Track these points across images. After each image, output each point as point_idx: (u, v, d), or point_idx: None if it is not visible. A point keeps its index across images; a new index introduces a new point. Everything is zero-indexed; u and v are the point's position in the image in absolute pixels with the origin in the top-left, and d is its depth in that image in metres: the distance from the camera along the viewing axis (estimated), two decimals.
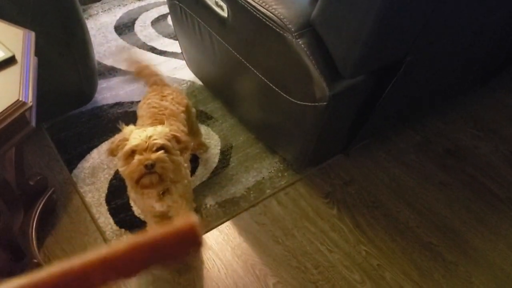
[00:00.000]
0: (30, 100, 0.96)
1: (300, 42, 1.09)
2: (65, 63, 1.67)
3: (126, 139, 1.10)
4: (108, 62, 2.16)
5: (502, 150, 1.74)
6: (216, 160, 1.70)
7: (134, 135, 1.09)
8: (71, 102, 1.81)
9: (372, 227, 1.49)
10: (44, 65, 1.56)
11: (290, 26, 1.10)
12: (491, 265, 1.40)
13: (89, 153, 1.72)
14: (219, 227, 1.49)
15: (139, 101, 1.91)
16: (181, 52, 2.05)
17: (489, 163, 1.70)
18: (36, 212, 1.39)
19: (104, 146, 1.74)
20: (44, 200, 1.43)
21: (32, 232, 1.33)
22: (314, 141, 1.32)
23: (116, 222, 1.49)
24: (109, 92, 1.99)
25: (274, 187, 1.60)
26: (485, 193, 1.60)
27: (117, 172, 1.64)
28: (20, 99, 0.94)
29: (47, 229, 1.47)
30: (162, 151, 1.07)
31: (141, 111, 1.39)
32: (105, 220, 1.50)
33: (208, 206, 1.54)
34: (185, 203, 1.29)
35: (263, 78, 1.33)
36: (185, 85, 2.02)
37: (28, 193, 1.39)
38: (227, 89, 1.74)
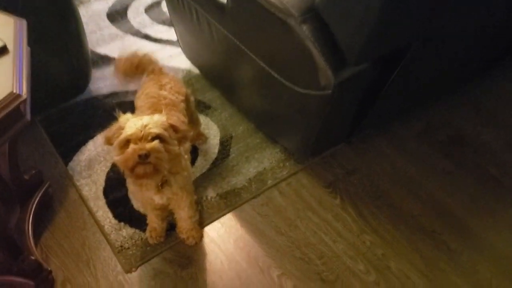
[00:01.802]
0: (24, 92, 0.91)
1: (303, 28, 1.05)
2: (57, 53, 1.61)
3: (122, 128, 1.07)
4: (101, 50, 2.10)
5: (505, 137, 1.72)
6: (216, 150, 1.66)
7: (130, 124, 1.06)
8: (64, 93, 1.76)
9: (376, 217, 1.47)
10: (35, 55, 1.52)
11: (293, 11, 1.06)
12: (495, 253, 1.38)
13: (84, 145, 1.67)
14: (220, 219, 1.46)
15: (135, 90, 1.87)
16: (177, 39, 2.00)
17: (493, 151, 1.68)
18: (32, 207, 1.35)
19: (100, 138, 1.70)
20: (40, 195, 1.39)
21: (28, 228, 1.30)
22: (316, 131, 1.28)
23: (115, 216, 1.46)
24: (103, 81, 1.94)
25: (276, 178, 1.57)
26: (489, 181, 1.58)
27: (114, 165, 1.60)
28: (14, 91, 0.90)
29: (44, 224, 1.44)
30: (157, 141, 1.03)
31: (139, 101, 1.35)
32: (103, 213, 1.46)
33: (209, 198, 1.51)
34: (186, 195, 1.26)
35: (264, 65, 1.29)
36: (181, 73, 1.97)
37: (23, 188, 1.35)
38: (225, 77, 1.70)
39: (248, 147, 1.67)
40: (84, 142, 1.68)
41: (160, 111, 1.23)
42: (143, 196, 1.23)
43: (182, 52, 1.99)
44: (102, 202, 1.49)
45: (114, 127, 1.11)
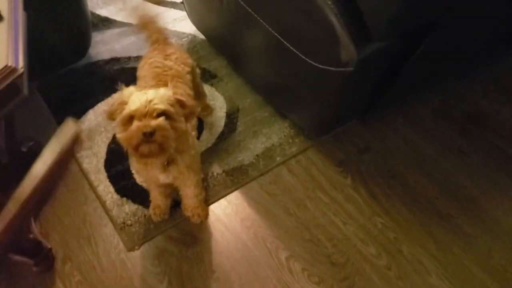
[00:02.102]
0: (21, 65, 0.82)
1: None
2: (55, 15, 1.50)
3: (125, 103, 0.99)
4: (102, 12, 1.99)
5: None
6: (222, 124, 1.58)
7: (134, 98, 0.98)
8: (63, 58, 1.66)
9: (388, 198, 1.41)
10: (31, 17, 1.41)
11: None
12: None
13: (84, 114, 1.59)
14: (227, 196, 1.40)
15: (137, 56, 1.79)
16: (182, 2, 1.88)
17: (511, 129, 1.60)
18: None
19: (101, 107, 1.62)
20: None
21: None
22: (332, 109, 1.20)
23: (117, 191, 1.40)
24: (104, 46, 1.83)
25: (285, 155, 1.50)
26: (507, 162, 1.52)
27: (115, 136, 1.52)
28: (10, 64, 0.81)
29: (44, 200, 1.38)
30: (163, 118, 0.96)
31: (143, 71, 1.27)
32: (105, 188, 1.40)
33: (215, 174, 1.45)
34: (193, 174, 1.20)
35: (277, 35, 1.19)
36: (185, 39, 1.87)
37: (20, 161, 1.28)
38: (233, 45, 1.60)
39: (255, 121, 1.59)
40: (84, 111, 1.60)
41: (165, 83, 1.15)
42: (147, 174, 1.16)
43: (187, 16, 1.87)
44: (103, 175, 1.43)
45: (116, 101, 1.02)
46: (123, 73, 1.72)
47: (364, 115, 1.53)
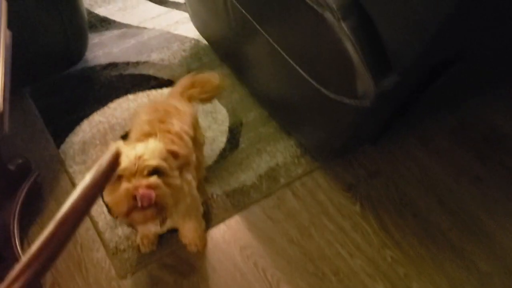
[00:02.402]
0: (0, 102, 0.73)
1: (343, 25, 0.85)
2: (48, 16, 1.40)
3: None
4: (100, 11, 1.88)
5: None
6: (224, 139, 1.49)
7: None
8: (57, 64, 1.56)
9: (400, 229, 1.32)
10: (21, 20, 1.31)
11: (332, 3, 0.85)
12: None
13: (79, 124, 1.50)
14: (226, 221, 1.32)
15: (136, 62, 1.69)
16: (185, 2, 1.77)
17: None
18: (18, 202, 1.20)
19: (97, 117, 1.52)
20: (27, 187, 1.24)
21: (14, 228, 1.16)
22: (343, 138, 1.11)
23: (110, 211, 1.31)
24: (102, 49, 1.73)
25: (290, 176, 1.41)
26: None
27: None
28: None
29: (32, 216, 1.30)
30: (155, 176, 0.85)
31: (140, 109, 1.15)
32: (98, 208, 1.32)
33: (214, 196, 1.36)
34: (193, 222, 1.13)
35: (287, 57, 1.09)
36: (188, 43, 1.77)
37: (8, 180, 1.19)
38: (238, 56, 1.50)
39: (260, 137, 1.50)
40: (78, 121, 1.51)
41: (160, 118, 1.03)
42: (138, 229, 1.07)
43: (190, 19, 1.76)
44: None
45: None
46: (121, 80, 1.63)
47: (376, 141, 1.43)
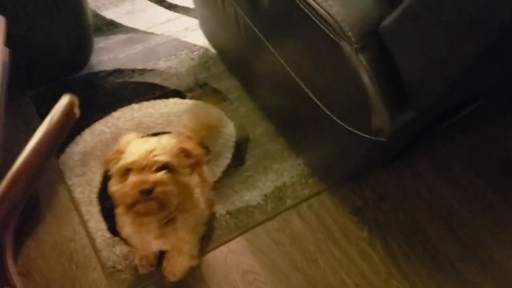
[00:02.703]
0: None
1: (361, 57, 0.80)
2: (51, 21, 1.35)
3: (122, 151, 0.89)
4: (107, 14, 1.83)
5: None
6: (230, 155, 1.44)
7: (132, 148, 0.87)
8: (61, 69, 1.52)
9: (407, 258, 1.28)
10: (23, 23, 1.27)
11: (350, 33, 0.80)
12: None
13: (79, 134, 1.45)
14: (229, 243, 1.27)
15: (142, 69, 1.64)
16: (194, 6, 1.71)
17: None
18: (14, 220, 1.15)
19: (99, 126, 1.48)
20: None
21: (6, 247, 1.10)
22: (354, 168, 1.06)
23: (109, 228, 1.27)
24: (107, 54, 1.69)
25: (296, 197, 1.36)
26: None
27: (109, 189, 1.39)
28: None
29: (28, 230, 1.25)
30: (164, 172, 0.85)
31: None
32: (96, 224, 1.27)
33: (217, 215, 1.31)
34: (195, 237, 1.07)
35: (299, 81, 1.04)
36: (196, 52, 1.71)
37: None
38: (247, 70, 1.45)
39: (266, 154, 1.45)
40: (79, 130, 1.46)
41: None
42: (139, 239, 1.02)
43: (200, 27, 1.71)
44: (95, 209, 1.30)
45: (113, 148, 0.92)
46: (125, 87, 1.58)
47: (388, 165, 1.38)
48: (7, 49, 0.82)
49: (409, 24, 0.72)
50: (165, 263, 1.16)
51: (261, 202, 1.35)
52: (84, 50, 1.53)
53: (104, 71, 1.62)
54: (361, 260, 1.26)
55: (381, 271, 1.25)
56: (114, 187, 0.88)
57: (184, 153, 0.92)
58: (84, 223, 1.28)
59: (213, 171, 1.40)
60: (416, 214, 1.36)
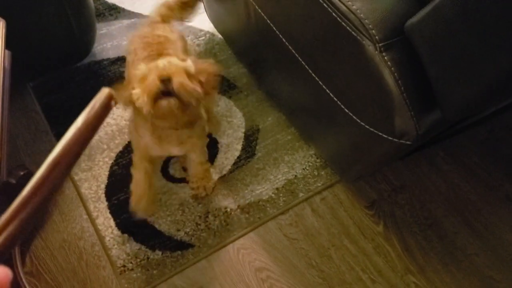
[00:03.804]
0: None
1: (385, 57, 0.74)
2: (52, 8, 1.28)
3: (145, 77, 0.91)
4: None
5: None
6: (239, 146, 1.40)
7: (150, 65, 0.91)
8: (63, 58, 1.46)
9: (424, 252, 1.25)
10: (22, 11, 1.20)
11: (373, 31, 0.74)
12: None
13: None
14: (241, 239, 1.24)
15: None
16: None
17: None
18: None
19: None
20: None
21: (15, 249, 1.08)
22: (373, 168, 1.01)
23: (118, 225, 1.24)
24: (110, 41, 1.62)
25: (309, 190, 1.32)
26: None
27: (119, 156, 1.35)
28: None
29: (35, 229, 1.22)
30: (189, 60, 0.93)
31: (133, 44, 1.15)
32: (105, 221, 1.24)
33: (228, 210, 1.28)
34: (202, 142, 1.16)
35: (316, 78, 0.98)
36: (202, 37, 1.65)
37: (9, 195, 1.11)
38: (255, 57, 1.39)
39: (277, 144, 1.41)
40: None
41: (158, 51, 1.07)
42: (160, 148, 1.07)
43: (205, 11, 1.64)
44: (103, 205, 1.27)
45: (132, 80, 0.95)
46: None
47: (405, 157, 1.33)
48: (8, 52, 0.77)
49: (440, 25, 0.66)
50: (190, 185, 1.28)
51: (273, 195, 1.31)
52: (86, 38, 1.46)
53: (107, 59, 1.56)
54: (377, 255, 1.23)
55: (398, 267, 1.22)
56: (136, 91, 0.90)
57: (200, 83, 0.94)
58: (92, 221, 1.24)
59: (223, 163, 1.36)
60: (432, 206, 1.32)
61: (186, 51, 1.18)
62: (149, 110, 0.89)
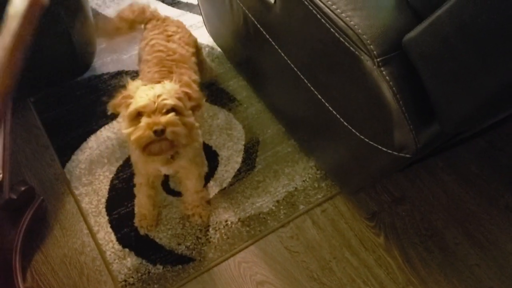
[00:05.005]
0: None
1: (383, 72, 0.75)
2: (51, 23, 1.29)
3: (131, 96, 0.95)
4: (108, 12, 1.77)
5: None
6: (240, 159, 1.40)
7: (141, 93, 0.93)
8: (63, 73, 1.46)
9: (425, 264, 1.24)
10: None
11: (371, 46, 0.75)
12: None
13: (85, 140, 1.41)
14: (241, 252, 1.24)
15: None
16: (198, 4, 1.65)
17: None
18: (21, 232, 1.13)
19: (105, 132, 1.44)
20: (30, 215, 1.16)
21: (15, 263, 1.08)
22: (373, 180, 1.02)
23: (119, 239, 1.24)
24: (110, 55, 1.64)
25: (309, 202, 1.33)
26: None
27: (119, 170, 1.35)
28: None
29: (36, 243, 1.23)
30: (173, 113, 0.92)
31: (145, 54, 1.19)
32: (106, 235, 1.24)
33: (229, 223, 1.28)
34: (194, 167, 1.15)
35: (315, 92, 0.99)
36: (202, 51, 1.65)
37: (10, 210, 1.12)
38: (254, 70, 1.40)
39: (277, 157, 1.41)
40: (85, 136, 1.42)
41: (169, 69, 1.11)
42: (147, 167, 1.10)
43: (204, 25, 1.66)
44: (104, 219, 1.27)
45: (122, 93, 0.99)
46: None
47: (405, 169, 1.34)
48: (10, 103, 0.77)
49: (437, 39, 0.67)
50: (185, 213, 1.27)
51: (273, 208, 1.31)
52: (87, 53, 1.48)
53: (108, 73, 1.58)
54: (378, 267, 1.23)
55: (399, 279, 1.22)
56: (127, 130, 0.93)
57: (187, 96, 0.99)
58: (93, 235, 1.24)
59: (223, 176, 1.36)
60: (433, 217, 1.32)
61: (199, 60, 1.27)
62: (139, 152, 0.94)
